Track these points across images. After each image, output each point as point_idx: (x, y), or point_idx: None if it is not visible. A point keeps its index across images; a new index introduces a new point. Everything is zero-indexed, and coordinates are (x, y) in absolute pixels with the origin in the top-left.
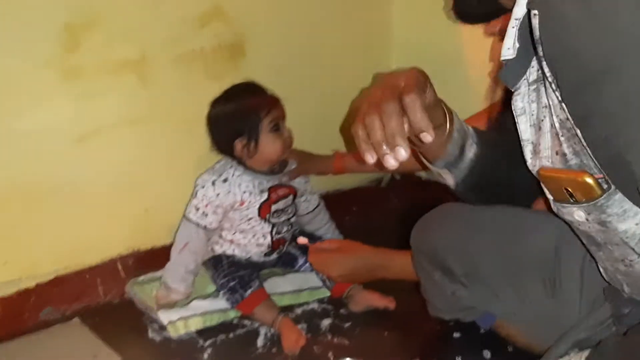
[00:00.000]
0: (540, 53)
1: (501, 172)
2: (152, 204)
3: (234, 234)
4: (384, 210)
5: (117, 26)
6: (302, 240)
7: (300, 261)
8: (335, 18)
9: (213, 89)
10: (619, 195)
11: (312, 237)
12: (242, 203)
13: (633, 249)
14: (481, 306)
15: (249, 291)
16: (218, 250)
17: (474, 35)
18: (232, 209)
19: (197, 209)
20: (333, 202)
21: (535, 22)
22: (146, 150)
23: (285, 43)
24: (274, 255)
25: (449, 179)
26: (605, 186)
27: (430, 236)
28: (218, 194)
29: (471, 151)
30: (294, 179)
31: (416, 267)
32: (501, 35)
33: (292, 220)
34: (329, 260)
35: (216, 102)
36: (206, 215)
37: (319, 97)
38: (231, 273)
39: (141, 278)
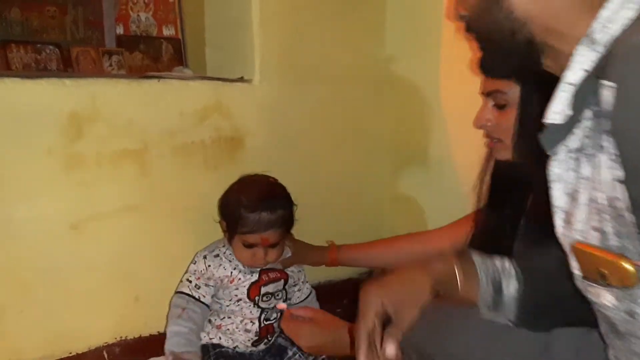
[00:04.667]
0: (607, 127)
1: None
2: (143, 293)
3: (222, 318)
4: None
5: (119, 117)
6: (281, 305)
7: (290, 352)
8: (332, 111)
9: (211, 179)
10: None
11: None
12: (232, 280)
13: None
14: None
15: None
16: (204, 338)
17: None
18: (222, 285)
19: (190, 282)
20: (324, 293)
21: (609, 95)
22: (140, 238)
23: (284, 136)
24: (261, 346)
25: (502, 319)
26: None
27: (418, 333)
28: (209, 266)
29: (510, 288)
30: (287, 267)
31: None
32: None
33: None
34: (301, 329)
35: (240, 179)
36: (199, 287)
37: (315, 191)
38: None
39: None
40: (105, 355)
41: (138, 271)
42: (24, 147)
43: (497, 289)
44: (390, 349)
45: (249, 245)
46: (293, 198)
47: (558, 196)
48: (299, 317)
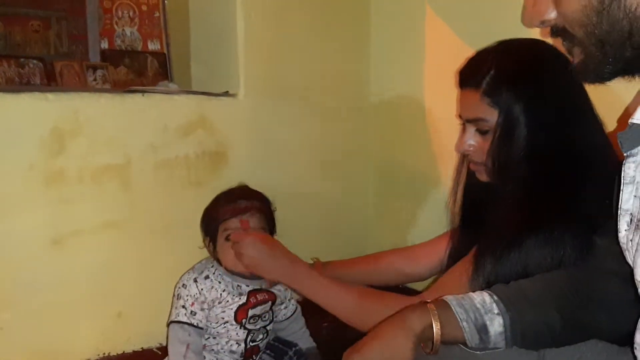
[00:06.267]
0: None
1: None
2: (126, 308)
3: (207, 338)
4: None
5: (102, 132)
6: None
7: None
8: (317, 127)
9: (194, 195)
10: None
11: (287, 344)
12: (220, 302)
13: None
14: None
15: None
16: None
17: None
18: (214, 306)
19: (185, 308)
20: (310, 308)
21: None
22: (123, 254)
23: (268, 152)
24: None
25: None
26: None
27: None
28: (202, 290)
29: (495, 325)
30: (273, 286)
31: None
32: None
33: (269, 327)
34: (245, 242)
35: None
36: (194, 313)
37: (300, 207)
38: None
39: None
40: None
41: (121, 287)
42: (4, 162)
43: (482, 330)
44: None
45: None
46: (277, 214)
47: (627, 199)
48: (247, 234)
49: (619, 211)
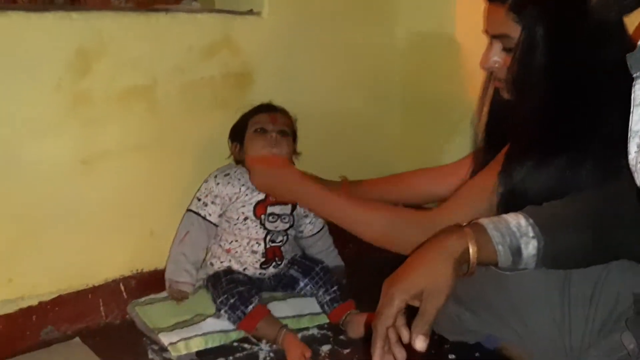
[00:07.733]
0: None
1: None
2: (158, 226)
3: (231, 242)
4: None
5: (127, 53)
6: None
7: (302, 283)
8: (342, 47)
9: (220, 116)
10: None
11: (313, 260)
12: (239, 197)
13: None
14: (486, 331)
15: (250, 307)
16: (216, 264)
17: None
18: (230, 202)
19: (199, 200)
20: (336, 228)
21: None
22: (153, 174)
23: (294, 71)
24: (271, 269)
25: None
26: None
27: None
28: (218, 184)
29: (529, 248)
30: None
31: None
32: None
33: (289, 232)
34: (254, 168)
35: None
36: (206, 205)
37: (326, 125)
38: (230, 290)
39: (143, 299)
40: (122, 288)
41: (152, 206)
42: (32, 82)
43: (516, 253)
44: (421, 345)
45: (261, 130)
46: (303, 134)
47: (637, 120)
48: (259, 159)
49: (629, 133)
